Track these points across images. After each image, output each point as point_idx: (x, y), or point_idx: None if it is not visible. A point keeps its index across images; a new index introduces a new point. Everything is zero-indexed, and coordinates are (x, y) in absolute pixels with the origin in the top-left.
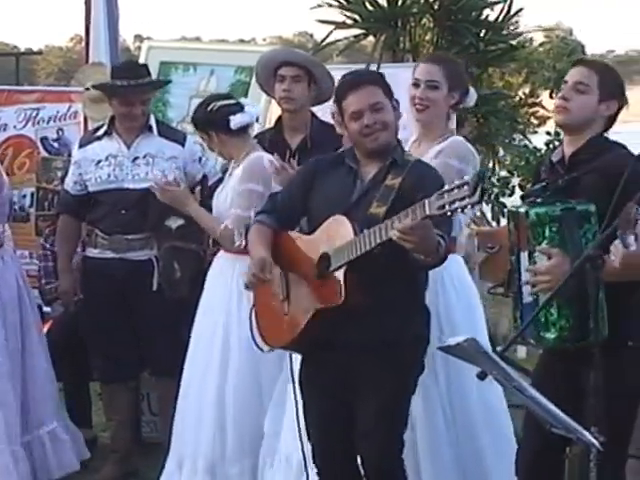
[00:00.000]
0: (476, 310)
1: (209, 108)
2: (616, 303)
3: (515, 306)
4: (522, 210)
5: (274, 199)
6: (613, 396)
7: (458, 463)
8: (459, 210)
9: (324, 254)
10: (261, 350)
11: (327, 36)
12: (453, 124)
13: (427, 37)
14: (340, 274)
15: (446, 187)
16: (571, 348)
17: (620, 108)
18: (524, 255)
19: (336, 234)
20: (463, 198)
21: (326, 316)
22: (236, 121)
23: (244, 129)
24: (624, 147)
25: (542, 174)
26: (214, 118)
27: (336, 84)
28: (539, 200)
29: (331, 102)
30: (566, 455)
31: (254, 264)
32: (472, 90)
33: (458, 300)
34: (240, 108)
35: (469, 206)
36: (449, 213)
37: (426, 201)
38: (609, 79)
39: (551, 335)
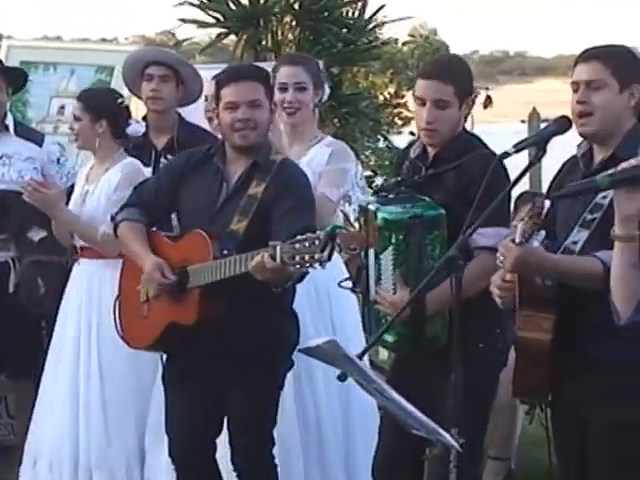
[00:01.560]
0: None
1: (119, 101)
2: (468, 305)
3: (363, 302)
4: (372, 208)
5: (140, 192)
6: (468, 397)
7: (323, 462)
8: (307, 265)
9: (183, 269)
10: (127, 344)
11: (183, 41)
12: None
13: (289, 36)
14: (196, 294)
15: (299, 237)
16: (411, 351)
17: None
18: (372, 252)
19: (196, 252)
20: (312, 255)
21: (182, 327)
22: (133, 128)
23: (127, 138)
24: (486, 146)
25: (404, 169)
26: (118, 113)
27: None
28: (391, 196)
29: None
30: (425, 456)
31: (151, 272)
32: (325, 85)
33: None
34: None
35: (317, 263)
36: (298, 266)
37: (278, 248)
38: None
39: (390, 338)
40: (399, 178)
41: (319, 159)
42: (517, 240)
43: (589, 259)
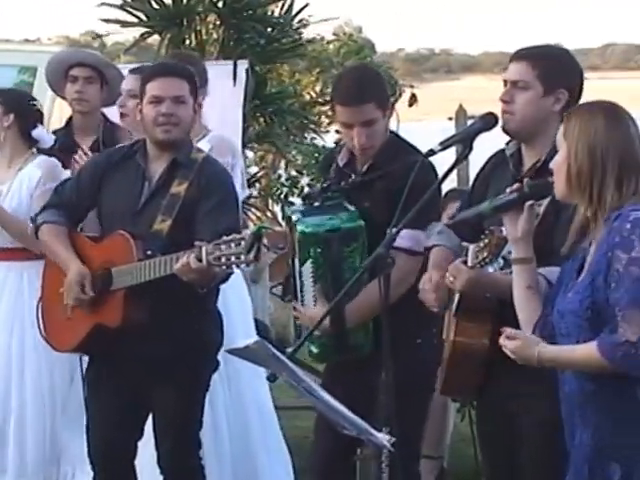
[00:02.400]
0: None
1: (31, 102)
2: (404, 303)
3: (294, 309)
4: (294, 218)
5: (61, 192)
6: (405, 395)
7: (232, 461)
8: (233, 265)
9: (107, 270)
10: (52, 346)
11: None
12: None
13: (214, 35)
14: (121, 296)
15: (224, 238)
16: (336, 360)
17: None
18: (297, 261)
19: (119, 254)
20: (238, 256)
21: (107, 330)
22: (38, 133)
23: (34, 142)
24: (414, 148)
25: (332, 172)
26: (27, 111)
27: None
28: (317, 203)
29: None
30: (357, 456)
31: (71, 284)
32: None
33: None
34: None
35: (243, 263)
36: (224, 267)
37: (203, 249)
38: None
39: (314, 349)
40: (325, 184)
41: None
42: (470, 264)
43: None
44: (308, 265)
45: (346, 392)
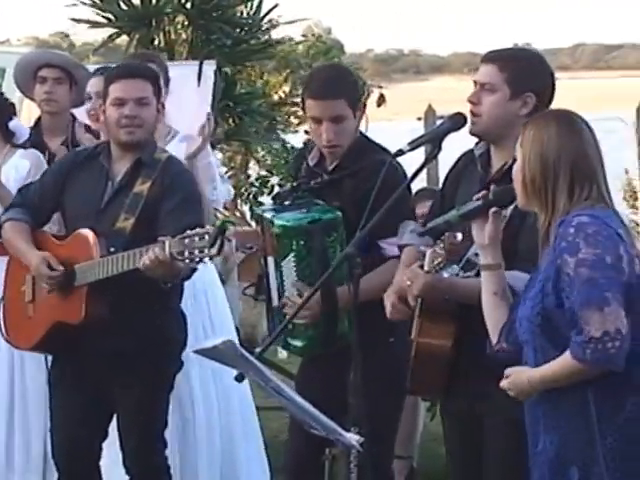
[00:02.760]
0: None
1: (4, 97)
2: (377, 302)
3: (267, 309)
4: (267, 216)
5: (25, 193)
6: (378, 393)
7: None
8: (197, 260)
9: (70, 267)
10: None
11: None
12: None
13: (182, 36)
14: (83, 292)
15: (188, 232)
16: (322, 352)
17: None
18: (271, 260)
19: (82, 251)
20: (202, 249)
21: (68, 327)
22: (15, 125)
23: (12, 135)
24: (383, 148)
25: (302, 172)
26: (4, 106)
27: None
28: (287, 202)
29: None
30: (325, 456)
31: (38, 267)
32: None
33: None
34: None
35: (207, 257)
36: (187, 261)
37: (167, 243)
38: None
39: (299, 343)
40: (295, 184)
41: (179, 156)
42: (426, 268)
43: None
44: (290, 259)
45: (323, 390)
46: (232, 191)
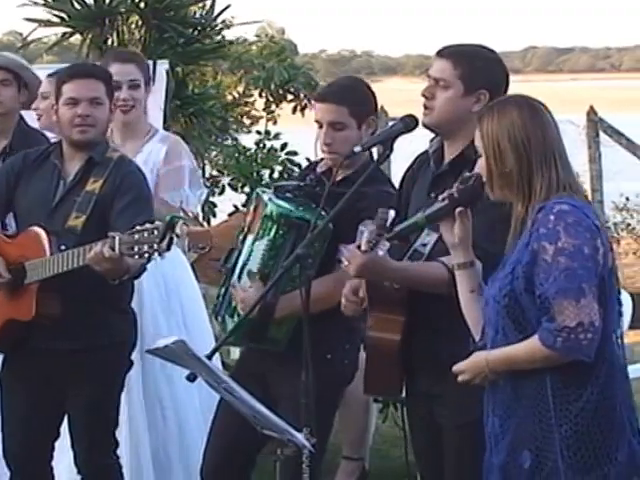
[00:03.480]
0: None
1: None
2: (321, 317)
3: (223, 283)
4: (266, 197)
5: None
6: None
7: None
8: (146, 255)
9: (21, 265)
10: None
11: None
12: None
13: (136, 35)
14: (34, 290)
15: (137, 227)
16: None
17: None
18: (250, 238)
19: (33, 248)
20: (152, 245)
21: (20, 325)
22: None
23: None
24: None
25: (307, 180)
26: None
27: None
28: (289, 195)
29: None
30: (276, 457)
31: None
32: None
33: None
34: None
35: (156, 253)
36: (137, 256)
37: (116, 238)
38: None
39: (231, 324)
40: (302, 184)
41: (155, 157)
42: (362, 248)
43: (435, 265)
44: (264, 242)
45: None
46: (202, 198)
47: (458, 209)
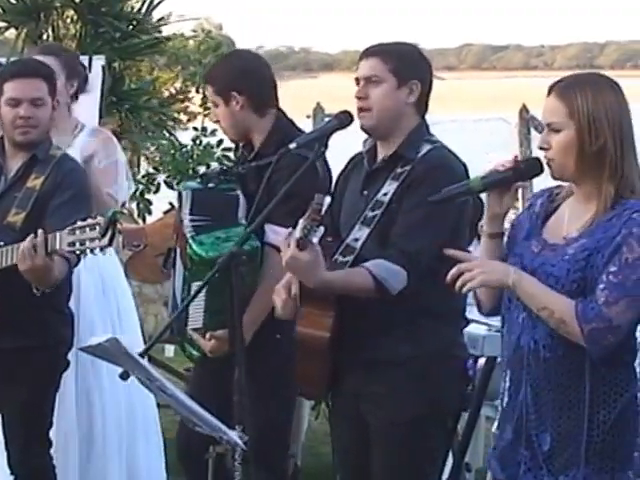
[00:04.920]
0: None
1: None
2: None
3: (173, 280)
4: (187, 234)
5: None
6: (262, 396)
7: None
8: (88, 251)
9: None
10: None
11: None
12: None
13: (71, 30)
14: None
15: (79, 223)
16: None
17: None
18: (179, 267)
19: None
20: (93, 240)
21: None
22: None
23: None
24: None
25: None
26: None
27: None
28: (210, 185)
29: None
30: (209, 454)
31: None
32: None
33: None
34: None
35: (98, 248)
36: (78, 252)
37: (57, 235)
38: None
39: (195, 352)
40: (224, 168)
41: (85, 151)
42: (297, 235)
43: (360, 272)
44: (200, 286)
45: (210, 391)
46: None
47: (519, 183)
